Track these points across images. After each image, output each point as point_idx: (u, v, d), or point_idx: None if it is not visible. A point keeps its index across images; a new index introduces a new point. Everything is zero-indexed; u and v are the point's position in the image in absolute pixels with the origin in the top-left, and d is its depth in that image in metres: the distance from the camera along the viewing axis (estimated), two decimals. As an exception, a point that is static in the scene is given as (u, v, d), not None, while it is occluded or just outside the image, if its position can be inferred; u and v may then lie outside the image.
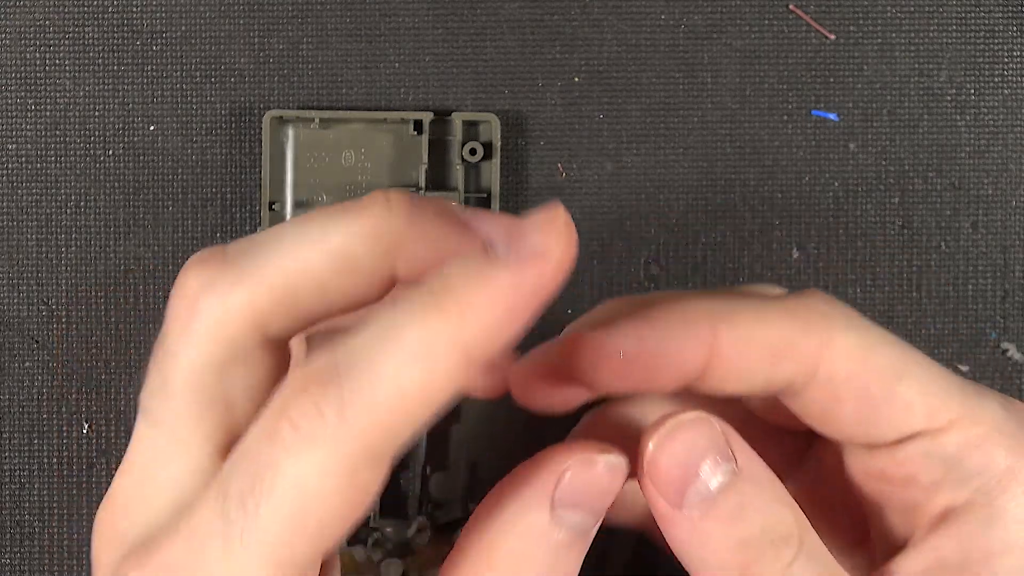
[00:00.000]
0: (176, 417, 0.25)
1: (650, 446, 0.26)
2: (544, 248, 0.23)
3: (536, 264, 0.23)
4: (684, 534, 0.26)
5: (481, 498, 0.28)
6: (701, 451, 0.26)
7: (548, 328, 0.50)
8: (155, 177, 0.50)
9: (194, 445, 0.25)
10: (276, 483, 0.22)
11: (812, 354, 0.28)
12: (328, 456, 0.22)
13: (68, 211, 0.49)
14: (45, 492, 0.49)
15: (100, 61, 0.50)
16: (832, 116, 0.50)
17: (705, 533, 0.26)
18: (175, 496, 0.25)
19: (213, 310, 0.24)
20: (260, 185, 0.49)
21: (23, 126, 0.49)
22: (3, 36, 0.49)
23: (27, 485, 0.49)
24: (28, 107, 0.49)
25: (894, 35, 0.50)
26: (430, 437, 0.49)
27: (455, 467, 0.49)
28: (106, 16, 0.50)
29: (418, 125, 0.49)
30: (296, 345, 0.27)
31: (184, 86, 0.50)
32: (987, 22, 0.50)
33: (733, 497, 0.26)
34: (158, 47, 0.50)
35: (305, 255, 0.24)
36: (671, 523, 0.26)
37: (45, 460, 0.49)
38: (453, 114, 0.49)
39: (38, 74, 0.49)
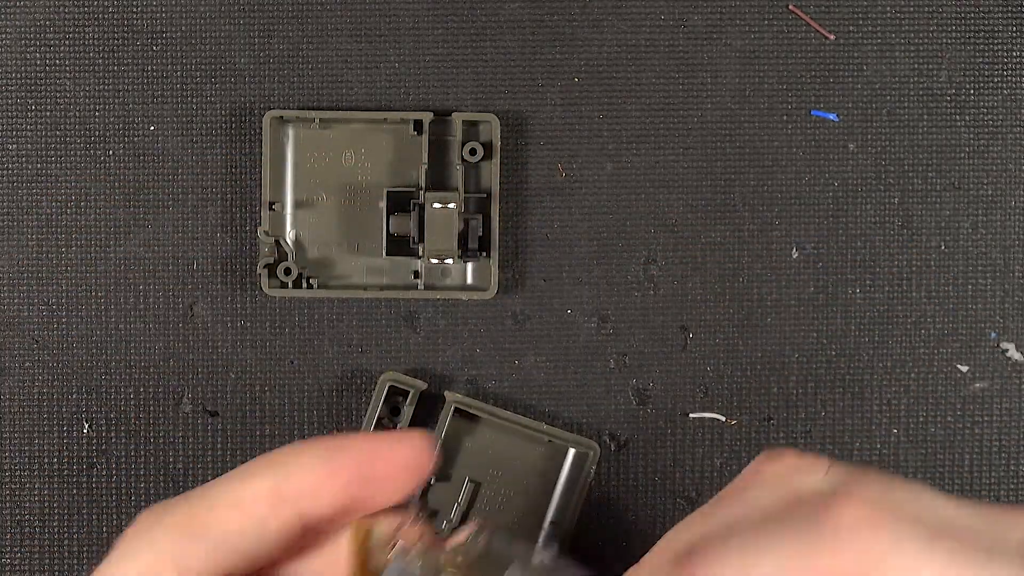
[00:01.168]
0: None
1: None
2: (389, 436, 0.26)
3: (373, 443, 0.26)
4: None
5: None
6: None
7: (546, 330, 0.50)
8: (155, 177, 0.50)
9: None
10: (96, 572, 0.25)
11: None
12: (140, 549, 0.24)
13: (68, 211, 0.49)
14: (45, 492, 0.49)
15: (100, 61, 0.50)
16: (832, 116, 0.50)
17: None
18: None
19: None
20: (260, 185, 0.49)
21: (23, 126, 0.49)
22: (3, 36, 0.49)
23: (27, 485, 0.49)
24: (28, 107, 0.49)
25: (894, 35, 0.50)
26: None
27: (457, 480, 0.49)
28: (106, 16, 0.50)
29: (418, 125, 0.49)
30: None
31: (184, 86, 0.50)
32: (987, 22, 0.50)
33: None
34: (158, 47, 0.50)
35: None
36: None
37: (45, 460, 0.49)
38: (453, 114, 0.49)
39: (38, 74, 0.49)
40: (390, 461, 0.26)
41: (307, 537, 0.26)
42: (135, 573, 0.24)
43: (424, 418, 0.49)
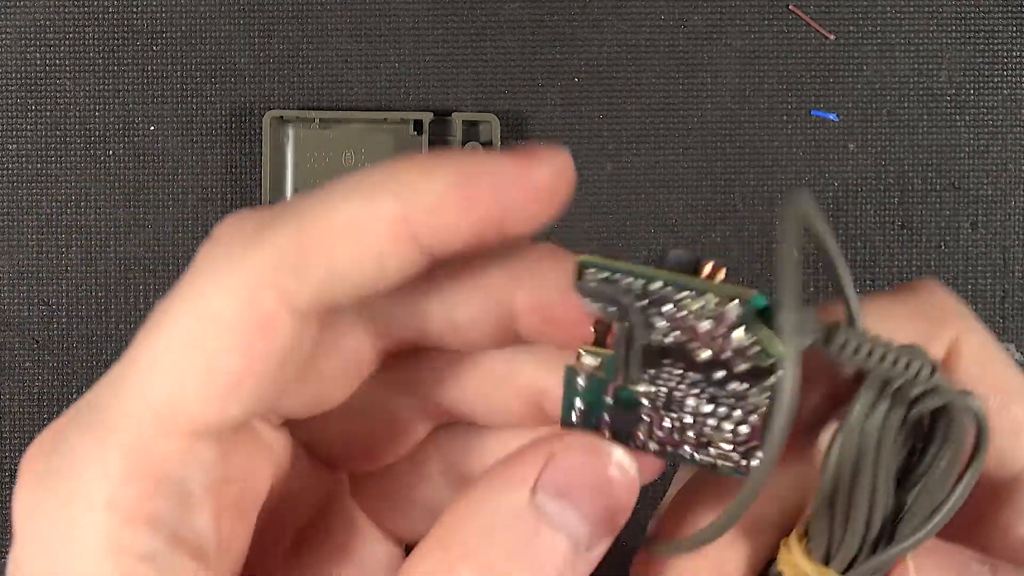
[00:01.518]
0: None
1: None
2: (526, 152, 0.21)
3: (508, 157, 0.21)
4: None
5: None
6: None
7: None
8: (155, 177, 0.50)
9: None
10: (175, 306, 0.21)
11: (939, 355, 0.25)
12: (231, 271, 0.20)
13: (68, 211, 0.49)
14: (45, 492, 0.49)
15: (100, 61, 0.50)
16: (832, 116, 0.50)
17: None
18: None
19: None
20: (260, 185, 0.49)
21: (23, 126, 0.50)
22: (3, 36, 0.50)
23: (27, 485, 0.49)
24: (28, 107, 0.49)
25: (894, 35, 0.50)
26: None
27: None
28: (106, 16, 0.50)
29: (418, 125, 0.49)
30: None
31: (184, 86, 0.50)
32: (987, 22, 0.50)
33: None
34: (158, 47, 0.50)
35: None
36: None
37: (45, 460, 0.49)
38: (453, 114, 0.49)
39: (38, 74, 0.50)
40: (530, 187, 0.22)
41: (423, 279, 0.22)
42: (228, 299, 0.20)
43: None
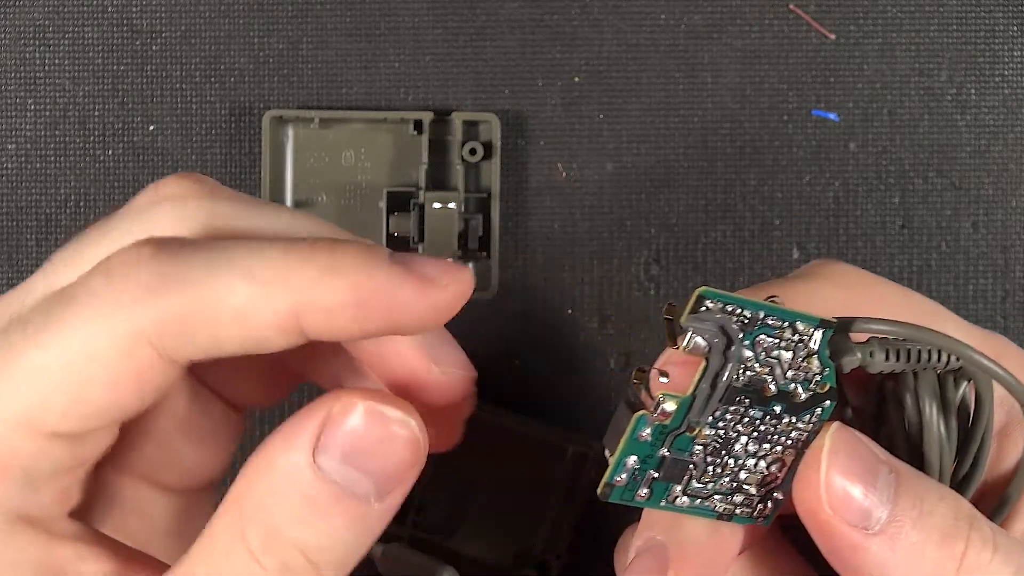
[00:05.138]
0: None
1: (821, 478, 0.24)
2: (430, 273, 0.22)
3: (410, 278, 0.22)
4: (887, 555, 0.23)
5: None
6: (863, 464, 0.24)
7: (547, 330, 0.50)
8: (155, 177, 0.49)
9: None
10: (60, 324, 0.22)
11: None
12: (119, 318, 0.21)
13: (68, 211, 0.49)
14: (44, 492, 0.49)
15: (100, 61, 0.50)
16: (832, 116, 0.50)
17: (908, 545, 0.23)
18: None
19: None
20: (260, 185, 0.49)
21: (23, 125, 0.49)
22: (3, 36, 0.49)
23: (26, 485, 0.49)
24: (28, 107, 0.49)
25: (894, 35, 0.50)
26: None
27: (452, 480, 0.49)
28: (106, 16, 0.50)
29: (418, 125, 0.49)
30: None
31: (184, 86, 0.50)
32: (987, 22, 0.50)
33: (910, 497, 0.23)
34: (158, 47, 0.50)
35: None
36: (866, 551, 0.23)
37: (44, 460, 0.49)
38: (453, 114, 0.49)
39: (38, 74, 0.49)
40: (425, 309, 0.22)
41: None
42: (109, 343, 0.21)
43: (424, 418, 0.49)
